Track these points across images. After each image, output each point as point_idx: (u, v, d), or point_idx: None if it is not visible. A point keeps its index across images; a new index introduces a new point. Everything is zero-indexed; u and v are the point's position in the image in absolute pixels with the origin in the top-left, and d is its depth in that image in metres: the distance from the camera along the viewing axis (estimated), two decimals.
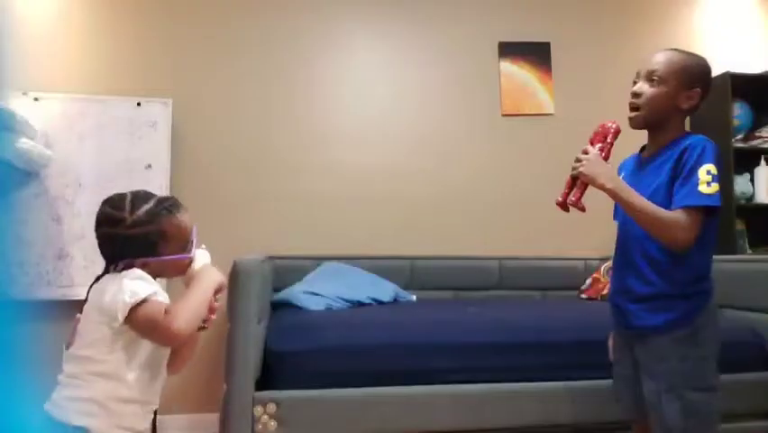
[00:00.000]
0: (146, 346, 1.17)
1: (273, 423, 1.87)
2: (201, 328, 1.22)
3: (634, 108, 1.52)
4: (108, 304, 1.12)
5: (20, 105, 2.59)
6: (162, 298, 1.15)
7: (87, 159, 2.71)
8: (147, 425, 1.21)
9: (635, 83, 1.54)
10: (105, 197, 1.27)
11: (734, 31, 3.59)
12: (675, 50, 1.54)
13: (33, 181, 2.63)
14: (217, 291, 1.24)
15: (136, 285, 1.12)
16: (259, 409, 1.87)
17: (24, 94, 2.66)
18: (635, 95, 1.51)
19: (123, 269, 1.18)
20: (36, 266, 2.60)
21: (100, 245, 1.23)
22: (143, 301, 1.11)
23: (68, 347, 1.18)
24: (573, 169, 1.50)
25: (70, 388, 1.14)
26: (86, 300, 1.19)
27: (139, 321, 1.11)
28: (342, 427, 1.92)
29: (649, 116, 1.51)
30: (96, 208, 1.24)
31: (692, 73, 1.50)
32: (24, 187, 2.61)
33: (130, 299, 1.10)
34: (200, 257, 1.27)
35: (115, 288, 1.13)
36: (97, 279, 1.22)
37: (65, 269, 2.63)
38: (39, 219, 2.63)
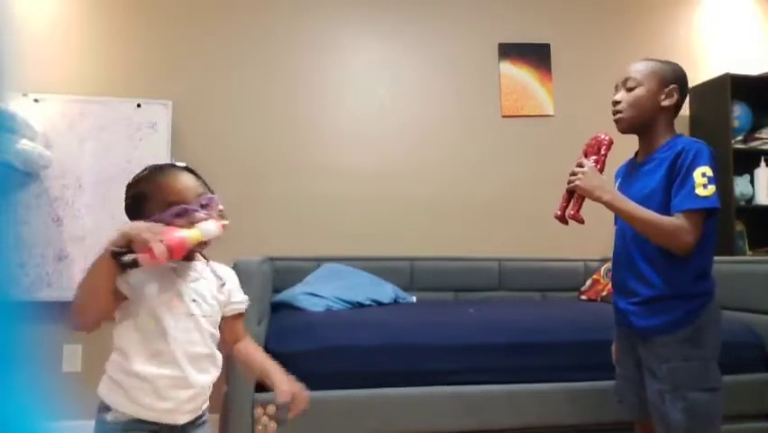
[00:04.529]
0: (133, 321, 1.15)
1: (273, 424, 1.87)
2: (130, 264, 1.07)
3: (617, 114, 1.57)
4: None
5: (20, 107, 2.59)
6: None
7: (87, 160, 2.71)
8: (173, 405, 1.14)
9: (615, 95, 1.58)
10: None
11: (734, 32, 3.60)
12: (648, 58, 1.59)
13: (33, 182, 2.63)
14: (129, 240, 1.07)
15: None
16: (258, 411, 1.86)
17: (24, 95, 2.66)
18: (615, 103, 1.57)
19: None
20: (36, 267, 2.61)
21: None
22: None
23: None
24: (569, 182, 1.54)
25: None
26: None
27: None
28: (342, 428, 1.93)
29: (633, 118, 1.54)
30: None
31: (665, 73, 1.54)
32: (24, 188, 2.61)
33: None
34: (202, 226, 1.15)
35: None
36: None
37: (65, 270, 2.63)
38: (39, 220, 2.63)
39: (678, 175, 1.43)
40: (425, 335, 2.12)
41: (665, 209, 1.44)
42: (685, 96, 1.57)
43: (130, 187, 1.23)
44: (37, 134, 2.60)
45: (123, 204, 1.23)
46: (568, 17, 3.41)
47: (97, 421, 1.15)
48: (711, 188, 1.39)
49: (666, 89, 1.52)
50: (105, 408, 1.14)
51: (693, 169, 1.41)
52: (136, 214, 1.18)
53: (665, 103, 1.52)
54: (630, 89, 1.53)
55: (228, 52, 3.07)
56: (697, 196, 1.39)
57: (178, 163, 1.28)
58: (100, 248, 1.08)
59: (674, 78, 1.54)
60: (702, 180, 1.39)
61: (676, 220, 1.41)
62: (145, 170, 1.24)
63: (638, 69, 1.55)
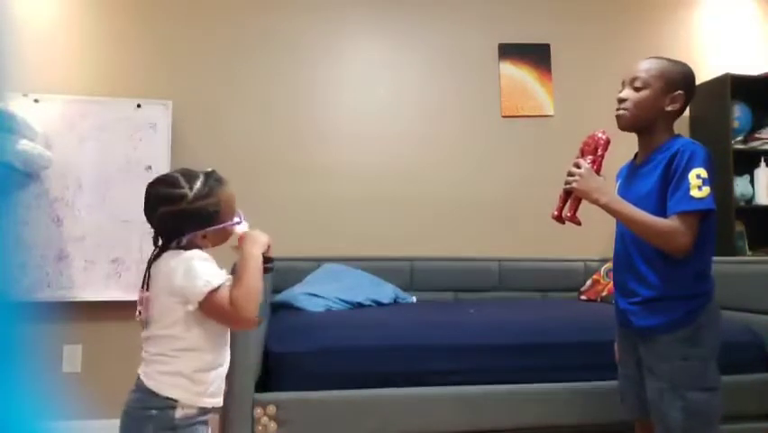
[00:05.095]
0: (209, 319, 1.25)
1: (273, 424, 1.87)
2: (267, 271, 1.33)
3: (621, 111, 1.56)
4: (180, 287, 1.20)
5: (20, 107, 2.59)
6: (224, 277, 1.24)
7: (87, 160, 2.71)
8: (221, 386, 1.29)
9: (620, 92, 1.57)
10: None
11: (734, 32, 3.60)
12: (658, 57, 1.58)
13: (33, 183, 2.63)
14: (268, 250, 1.34)
15: (207, 269, 1.21)
16: (259, 411, 1.87)
17: (25, 95, 2.66)
18: (621, 100, 1.56)
19: (187, 243, 1.25)
20: (36, 267, 2.61)
21: (159, 225, 1.28)
22: (215, 290, 1.19)
23: (144, 326, 1.26)
24: (566, 183, 1.54)
25: (158, 364, 1.21)
26: (146, 277, 1.27)
27: (210, 308, 1.20)
28: (342, 428, 1.92)
29: (636, 118, 1.54)
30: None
31: (674, 77, 1.53)
32: (24, 188, 2.61)
33: (204, 288, 1.18)
34: (243, 224, 1.38)
35: (183, 268, 1.20)
36: (156, 255, 1.28)
37: (65, 270, 2.63)
38: (39, 221, 2.63)
39: (673, 177, 1.43)
40: (425, 335, 2.12)
41: (662, 211, 1.44)
42: (691, 99, 1.56)
43: (200, 198, 1.26)
44: (37, 134, 2.60)
45: (182, 211, 1.24)
46: (568, 17, 3.40)
47: (155, 417, 1.18)
48: (706, 190, 1.39)
49: (672, 95, 1.51)
50: (168, 406, 1.19)
51: (688, 170, 1.41)
52: (205, 223, 1.27)
53: (669, 108, 1.52)
54: (637, 89, 1.52)
55: (228, 52, 3.07)
56: (691, 197, 1.39)
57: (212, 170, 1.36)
58: (252, 255, 1.28)
59: (683, 82, 1.52)
60: (697, 182, 1.39)
61: (671, 222, 1.41)
62: (196, 178, 1.28)
63: (647, 68, 1.53)
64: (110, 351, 2.56)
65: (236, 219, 1.35)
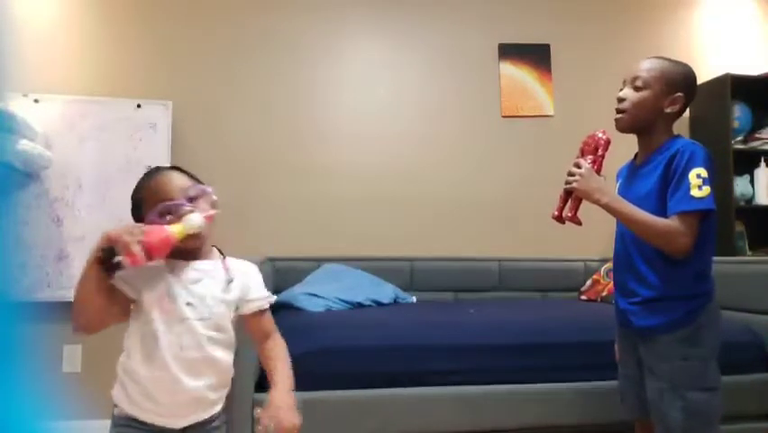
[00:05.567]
0: (136, 322, 1.17)
1: (273, 425, 1.87)
2: (114, 267, 1.08)
3: (620, 112, 1.56)
4: None
5: (20, 107, 2.59)
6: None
7: (87, 160, 2.71)
8: (166, 409, 1.14)
9: (621, 90, 1.57)
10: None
11: (734, 32, 3.60)
12: (660, 57, 1.58)
13: (33, 183, 2.63)
14: (110, 243, 1.05)
15: None
16: (258, 411, 1.87)
17: (25, 95, 2.66)
18: (620, 99, 1.56)
19: None
20: (36, 267, 2.61)
21: None
22: None
23: None
24: (567, 183, 1.54)
25: None
26: None
27: None
28: (342, 428, 1.92)
29: (634, 119, 1.54)
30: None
31: (675, 78, 1.52)
32: (24, 188, 2.61)
33: None
34: (187, 221, 1.16)
35: None
36: None
37: (65, 270, 2.63)
38: (39, 221, 2.63)
39: (673, 177, 1.43)
40: (425, 335, 2.12)
41: (662, 211, 1.44)
42: (691, 101, 1.56)
43: (131, 196, 1.28)
44: (37, 134, 2.60)
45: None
46: (568, 17, 3.40)
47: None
48: (706, 190, 1.39)
49: (672, 96, 1.51)
50: (114, 401, 1.18)
51: (688, 170, 1.41)
52: (138, 220, 1.21)
53: (668, 110, 1.52)
54: (637, 89, 1.52)
55: (228, 52, 3.07)
56: (692, 197, 1.39)
57: (164, 165, 1.31)
58: (89, 252, 1.09)
59: (684, 84, 1.52)
60: (697, 182, 1.39)
61: (671, 222, 1.41)
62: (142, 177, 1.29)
63: (648, 68, 1.52)
64: (110, 351, 2.55)
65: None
